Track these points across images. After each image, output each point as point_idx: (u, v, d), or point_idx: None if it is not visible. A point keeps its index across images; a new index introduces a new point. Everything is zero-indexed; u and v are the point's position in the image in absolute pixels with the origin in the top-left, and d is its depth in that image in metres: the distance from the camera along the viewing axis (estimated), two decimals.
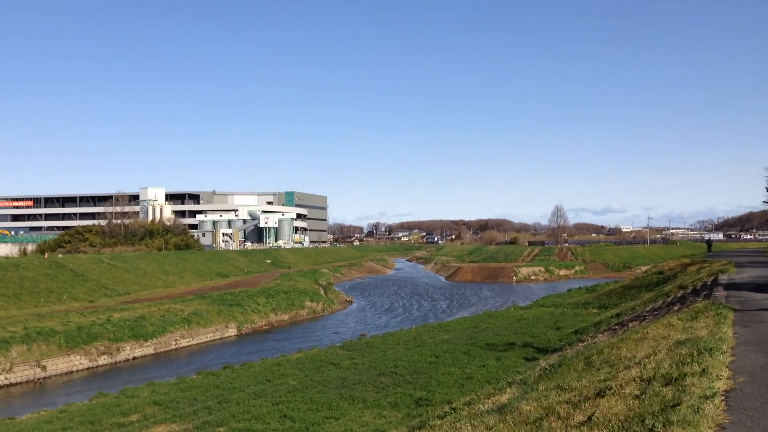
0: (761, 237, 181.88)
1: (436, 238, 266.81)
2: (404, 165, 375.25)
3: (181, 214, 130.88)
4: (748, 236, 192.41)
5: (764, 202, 64.44)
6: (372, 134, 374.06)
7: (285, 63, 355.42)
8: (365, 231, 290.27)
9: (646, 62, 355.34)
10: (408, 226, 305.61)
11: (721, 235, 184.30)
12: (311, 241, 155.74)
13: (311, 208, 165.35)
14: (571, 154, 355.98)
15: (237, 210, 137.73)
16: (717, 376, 7.48)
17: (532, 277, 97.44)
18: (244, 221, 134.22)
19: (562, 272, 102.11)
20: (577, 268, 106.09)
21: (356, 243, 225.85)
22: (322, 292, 65.17)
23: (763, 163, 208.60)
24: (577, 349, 16.35)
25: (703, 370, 7.62)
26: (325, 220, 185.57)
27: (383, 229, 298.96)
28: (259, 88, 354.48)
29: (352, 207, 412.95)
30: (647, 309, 26.20)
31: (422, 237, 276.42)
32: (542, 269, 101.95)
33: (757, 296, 18.56)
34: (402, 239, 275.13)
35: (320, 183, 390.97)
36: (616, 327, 22.96)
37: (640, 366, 8.64)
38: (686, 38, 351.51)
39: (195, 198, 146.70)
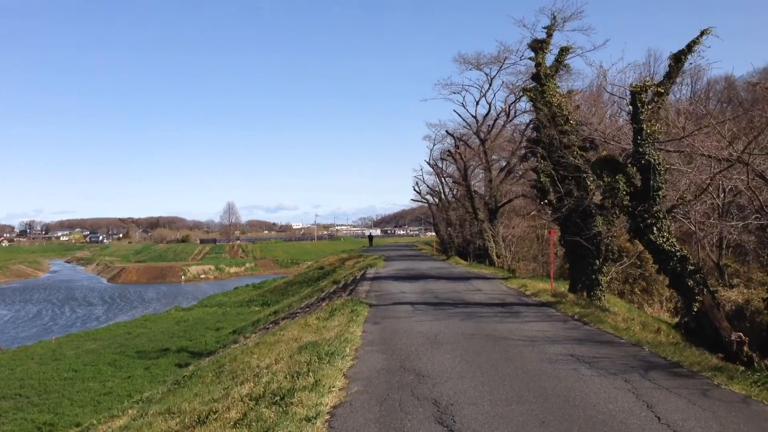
0: (411, 232, 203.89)
1: (101, 237, 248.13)
2: (64, 156, 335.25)
3: None
4: (401, 231, 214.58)
5: (412, 200, 72.49)
6: (28, 117, 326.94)
7: None
8: (17, 230, 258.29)
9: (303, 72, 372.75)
10: (69, 225, 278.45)
11: (379, 231, 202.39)
12: None
13: None
14: (243, 152, 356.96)
15: None
16: (330, 387, 6.87)
17: (202, 276, 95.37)
18: None
19: (233, 270, 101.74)
20: (247, 265, 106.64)
21: (5, 244, 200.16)
22: None
23: (411, 166, 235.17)
24: (217, 356, 15.32)
25: (317, 381, 6.97)
26: None
27: (39, 228, 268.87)
28: None
29: (2, 203, 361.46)
30: (302, 305, 26.46)
31: (85, 236, 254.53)
32: (212, 267, 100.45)
33: (395, 289, 19.56)
34: (62, 239, 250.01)
35: None
36: (271, 325, 22.61)
37: (256, 379, 7.78)
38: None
39: None
